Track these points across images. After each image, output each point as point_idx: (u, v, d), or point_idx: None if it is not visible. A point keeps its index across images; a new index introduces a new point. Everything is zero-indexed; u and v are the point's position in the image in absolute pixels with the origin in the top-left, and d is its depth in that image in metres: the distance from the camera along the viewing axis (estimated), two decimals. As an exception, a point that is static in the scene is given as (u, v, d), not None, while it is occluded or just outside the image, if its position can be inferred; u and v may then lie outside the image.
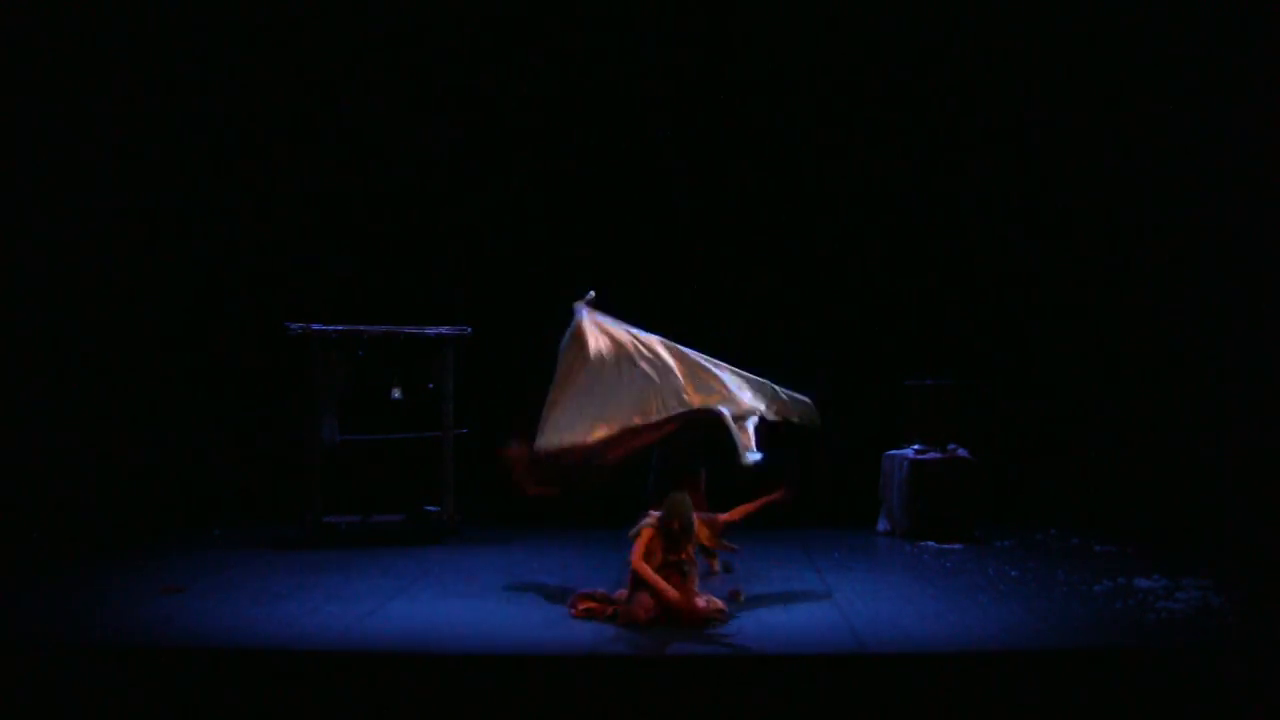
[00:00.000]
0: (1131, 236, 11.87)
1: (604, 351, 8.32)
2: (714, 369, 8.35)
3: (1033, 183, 12.35)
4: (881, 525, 11.07)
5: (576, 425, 8.10)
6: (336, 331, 10.41)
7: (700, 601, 7.34)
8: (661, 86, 12.46)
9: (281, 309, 11.17)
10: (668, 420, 8.03)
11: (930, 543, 10.27)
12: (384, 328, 10.55)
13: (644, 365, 8.23)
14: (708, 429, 8.31)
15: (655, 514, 7.44)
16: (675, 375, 8.19)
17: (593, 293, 8.66)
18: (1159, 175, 11.56)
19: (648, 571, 7.25)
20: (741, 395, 8.26)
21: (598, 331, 8.44)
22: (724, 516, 7.91)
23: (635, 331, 8.47)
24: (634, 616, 7.22)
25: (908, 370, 11.58)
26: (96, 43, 11.19)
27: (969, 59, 12.24)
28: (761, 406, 8.28)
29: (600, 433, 8.06)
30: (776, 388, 8.44)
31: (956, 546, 10.11)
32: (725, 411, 8.04)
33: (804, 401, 8.48)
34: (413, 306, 11.45)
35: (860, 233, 12.53)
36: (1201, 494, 10.77)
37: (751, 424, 8.15)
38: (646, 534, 7.35)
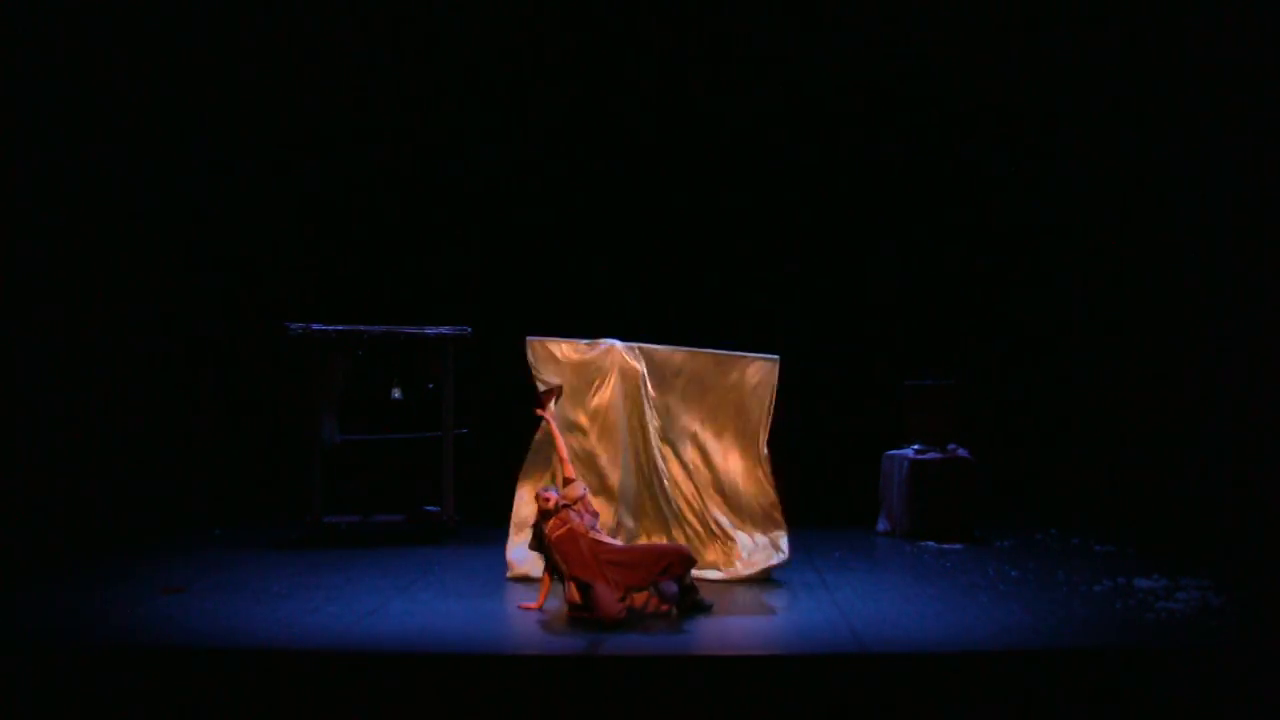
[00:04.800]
0: (1131, 236, 11.87)
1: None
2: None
3: (1032, 183, 12.35)
4: (881, 525, 11.07)
5: None
6: (336, 331, 10.40)
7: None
8: (660, 85, 12.45)
9: (281, 309, 11.18)
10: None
11: (930, 543, 10.27)
12: (384, 328, 10.54)
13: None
14: None
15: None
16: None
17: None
18: (1159, 175, 11.55)
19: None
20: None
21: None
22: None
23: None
24: (608, 612, 7.24)
25: (908, 370, 11.58)
26: (97, 39, 11.18)
27: (969, 60, 12.23)
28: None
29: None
30: None
31: (956, 546, 10.10)
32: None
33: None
34: (413, 306, 11.46)
35: (861, 233, 12.52)
36: (1201, 494, 10.77)
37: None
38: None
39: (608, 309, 11.58)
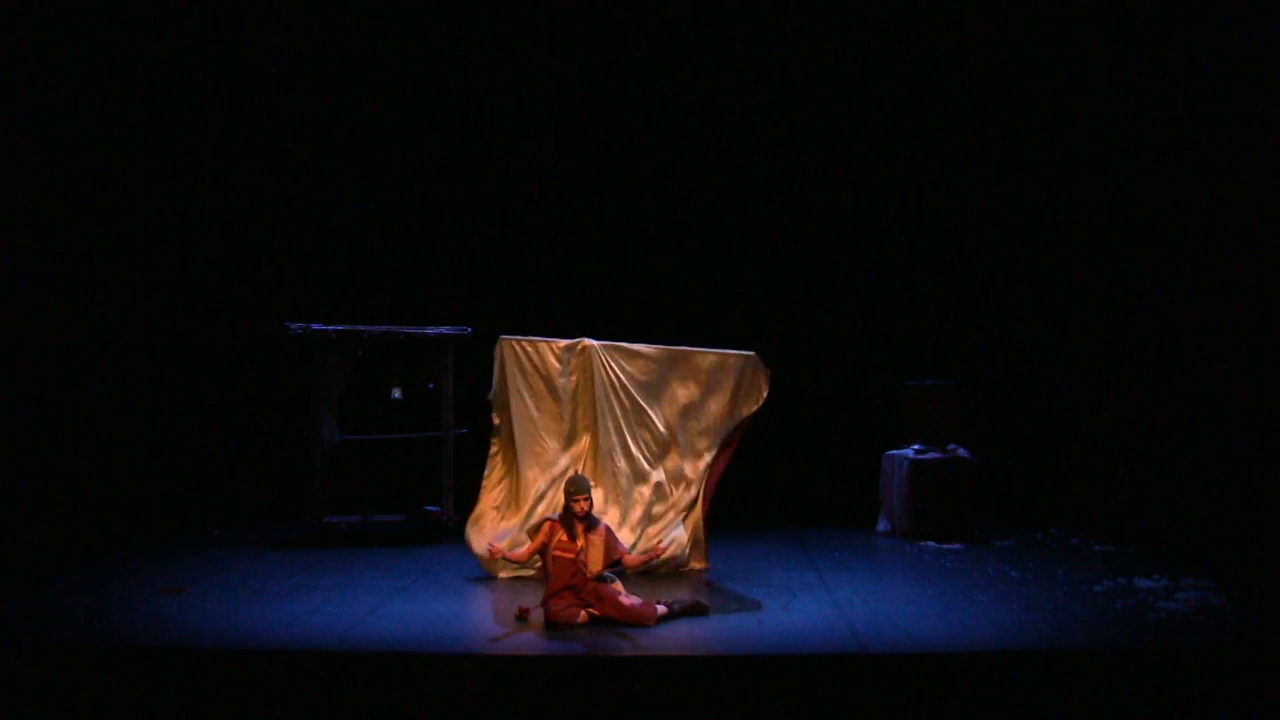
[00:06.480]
0: (1130, 236, 11.86)
1: None
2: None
3: (1032, 183, 12.34)
4: (881, 525, 11.07)
5: None
6: (336, 331, 10.41)
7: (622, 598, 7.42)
8: (661, 86, 12.45)
9: (281, 309, 11.18)
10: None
11: (930, 543, 10.28)
12: (384, 328, 10.55)
13: None
14: None
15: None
16: None
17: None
18: (1157, 175, 11.54)
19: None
20: None
21: None
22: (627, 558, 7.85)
23: None
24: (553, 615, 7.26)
25: (908, 370, 11.58)
26: (96, 38, 11.18)
27: (968, 61, 12.23)
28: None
29: None
30: None
31: (956, 546, 10.11)
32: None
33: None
34: (413, 306, 11.46)
35: (861, 233, 12.52)
36: (1201, 494, 10.76)
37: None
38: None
39: (608, 309, 11.59)
